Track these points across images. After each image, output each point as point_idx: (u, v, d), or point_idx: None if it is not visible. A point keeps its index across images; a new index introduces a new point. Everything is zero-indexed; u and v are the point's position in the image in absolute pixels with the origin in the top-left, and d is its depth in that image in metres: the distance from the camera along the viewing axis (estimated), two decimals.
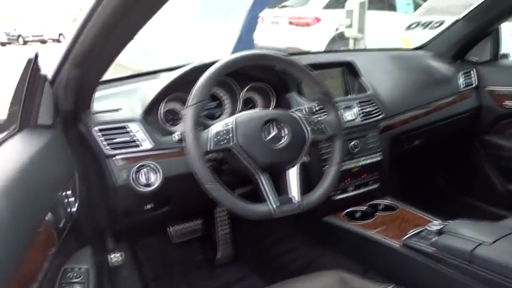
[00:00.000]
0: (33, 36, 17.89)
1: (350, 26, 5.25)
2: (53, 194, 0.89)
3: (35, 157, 0.89)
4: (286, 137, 1.06)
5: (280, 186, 1.07)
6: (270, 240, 1.66)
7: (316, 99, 1.18)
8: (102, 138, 1.10)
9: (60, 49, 1.00)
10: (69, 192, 0.96)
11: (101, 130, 1.11)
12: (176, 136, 1.11)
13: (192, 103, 1.00)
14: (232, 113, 1.35)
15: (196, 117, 0.99)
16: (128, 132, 1.14)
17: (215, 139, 1.01)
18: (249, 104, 1.40)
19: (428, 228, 1.17)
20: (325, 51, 2.91)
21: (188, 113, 1.00)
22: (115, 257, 1.38)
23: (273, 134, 1.05)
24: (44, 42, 17.71)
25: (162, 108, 1.25)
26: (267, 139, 1.04)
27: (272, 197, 1.01)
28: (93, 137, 1.11)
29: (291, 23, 6.44)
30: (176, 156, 1.16)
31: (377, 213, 1.39)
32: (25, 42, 17.49)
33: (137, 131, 1.14)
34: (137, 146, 1.13)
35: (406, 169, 1.88)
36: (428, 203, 1.48)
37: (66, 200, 0.94)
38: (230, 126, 1.03)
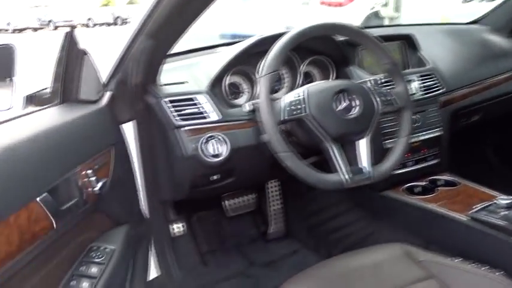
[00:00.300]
0: (63, 21, 18.22)
1: (386, 4, 5.13)
2: (62, 172, 0.86)
3: (57, 132, 0.88)
4: (357, 107, 1.05)
5: (348, 157, 1.07)
6: (325, 215, 1.66)
7: (384, 71, 1.17)
8: (173, 109, 1.13)
9: (133, 24, 1.01)
10: (89, 172, 0.92)
11: (171, 101, 1.13)
12: (247, 106, 1.12)
13: (265, 73, 1.00)
14: (292, 88, 1.35)
15: (270, 87, 1.00)
16: (195, 104, 1.16)
17: (288, 109, 1.01)
18: (307, 78, 1.40)
19: (497, 202, 1.15)
20: (380, 26, 2.85)
21: (262, 83, 1.00)
22: (177, 228, 1.42)
23: (344, 104, 1.05)
24: (73, 27, 17.96)
25: (226, 81, 1.26)
26: (338, 109, 1.04)
27: (344, 167, 1.02)
28: (162, 108, 1.13)
29: (322, 2, 6.35)
30: (242, 128, 1.18)
31: (438, 188, 1.38)
32: (56, 28, 17.83)
33: (205, 102, 1.16)
34: (204, 117, 1.15)
35: (462, 146, 1.84)
36: (484, 181, 1.45)
37: (86, 179, 0.91)
38: (302, 96, 1.03)
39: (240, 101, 1.31)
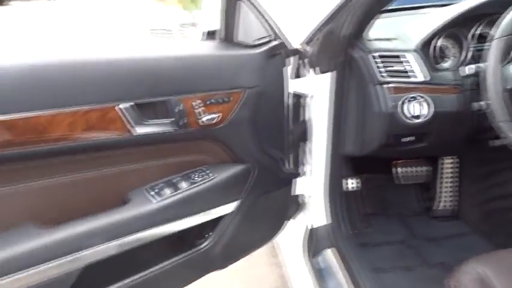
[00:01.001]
0: None
1: None
2: (166, 93, 0.93)
3: (194, 60, 0.99)
4: None
5: None
6: (510, 203, 1.52)
7: None
8: (381, 64, 1.13)
9: None
10: (199, 102, 0.97)
11: (380, 57, 1.14)
12: (466, 70, 1.07)
13: (500, 35, 0.93)
14: None
15: (503, 51, 0.92)
16: (401, 62, 1.14)
17: None
18: None
19: None
20: None
21: (494, 46, 0.93)
22: (351, 183, 1.46)
23: None
24: None
25: (436, 44, 1.21)
26: None
27: None
28: (368, 62, 1.14)
29: None
30: (446, 93, 1.13)
31: None
32: None
33: (413, 62, 1.14)
34: (409, 76, 1.13)
35: None
36: None
37: (193, 109, 0.97)
38: None
39: (444, 65, 1.25)
